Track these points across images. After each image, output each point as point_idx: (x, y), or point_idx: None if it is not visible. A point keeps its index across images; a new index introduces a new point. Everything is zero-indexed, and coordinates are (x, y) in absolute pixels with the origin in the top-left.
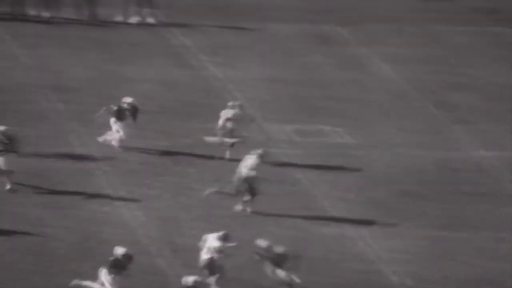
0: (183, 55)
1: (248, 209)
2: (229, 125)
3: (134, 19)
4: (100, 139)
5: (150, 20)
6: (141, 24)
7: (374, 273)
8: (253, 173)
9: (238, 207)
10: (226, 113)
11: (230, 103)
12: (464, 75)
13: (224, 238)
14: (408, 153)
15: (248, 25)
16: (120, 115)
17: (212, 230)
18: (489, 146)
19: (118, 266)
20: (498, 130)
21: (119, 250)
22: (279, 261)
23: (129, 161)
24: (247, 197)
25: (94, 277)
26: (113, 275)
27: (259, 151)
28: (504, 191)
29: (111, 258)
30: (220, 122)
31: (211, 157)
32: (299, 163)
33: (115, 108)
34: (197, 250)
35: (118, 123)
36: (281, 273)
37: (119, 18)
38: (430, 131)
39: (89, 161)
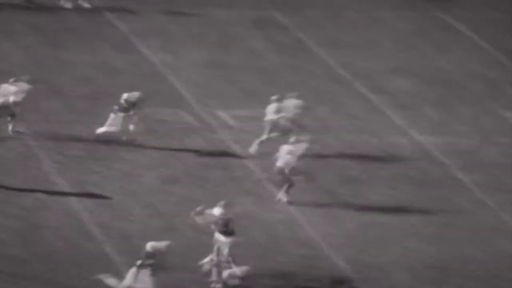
0: (121, 39)
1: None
2: (279, 117)
3: (69, 4)
4: (100, 130)
5: (85, 4)
6: (78, 9)
7: (320, 258)
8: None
9: (282, 196)
10: (274, 107)
11: (274, 97)
12: (404, 60)
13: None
14: (353, 139)
15: (186, 10)
16: (125, 111)
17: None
18: (433, 131)
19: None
20: (441, 116)
21: (155, 245)
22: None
23: (74, 148)
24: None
25: (39, 264)
26: (150, 271)
27: (304, 137)
28: (449, 176)
29: (145, 254)
30: (271, 116)
31: (156, 144)
32: (242, 149)
33: (117, 107)
34: (144, 236)
35: (122, 117)
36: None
37: (62, 2)
38: (373, 117)
39: (34, 147)
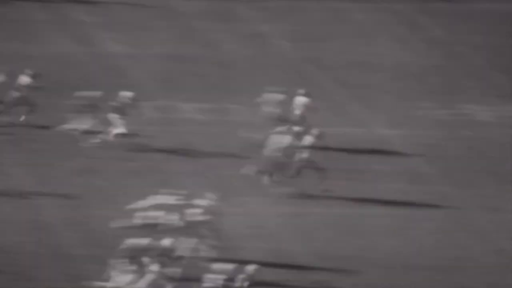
0: (82, 31)
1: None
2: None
3: None
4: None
5: None
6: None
7: (286, 251)
8: (308, 152)
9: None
10: (299, 101)
11: (301, 91)
12: (364, 53)
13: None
14: (314, 131)
15: (147, 2)
16: (122, 110)
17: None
18: (394, 124)
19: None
20: (401, 108)
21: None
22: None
23: (33, 141)
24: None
25: (3, 257)
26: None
27: (316, 131)
28: (412, 169)
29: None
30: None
31: (119, 137)
32: (205, 141)
33: (117, 104)
34: (107, 230)
35: (120, 118)
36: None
37: None
38: (334, 109)
39: None
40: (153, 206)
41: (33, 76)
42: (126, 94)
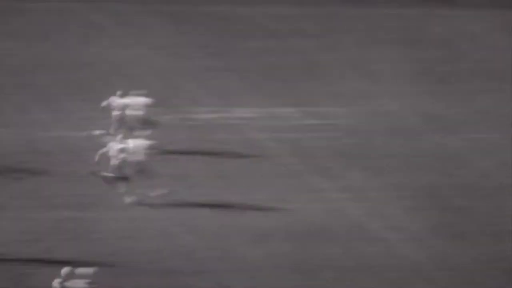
0: None
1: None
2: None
3: None
4: None
5: None
6: None
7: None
8: (143, 155)
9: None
10: (130, 101)
11: (134, 91)
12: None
13: None
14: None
15: None
16: None
17: None
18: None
19: None
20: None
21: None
22: None
23: None
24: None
25: None
26: None
27: (147, 133)
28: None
29: None
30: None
31: None
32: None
33: None
34: None
35: None
36: None
37: None
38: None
39: None
40: None
41: None
42: None
